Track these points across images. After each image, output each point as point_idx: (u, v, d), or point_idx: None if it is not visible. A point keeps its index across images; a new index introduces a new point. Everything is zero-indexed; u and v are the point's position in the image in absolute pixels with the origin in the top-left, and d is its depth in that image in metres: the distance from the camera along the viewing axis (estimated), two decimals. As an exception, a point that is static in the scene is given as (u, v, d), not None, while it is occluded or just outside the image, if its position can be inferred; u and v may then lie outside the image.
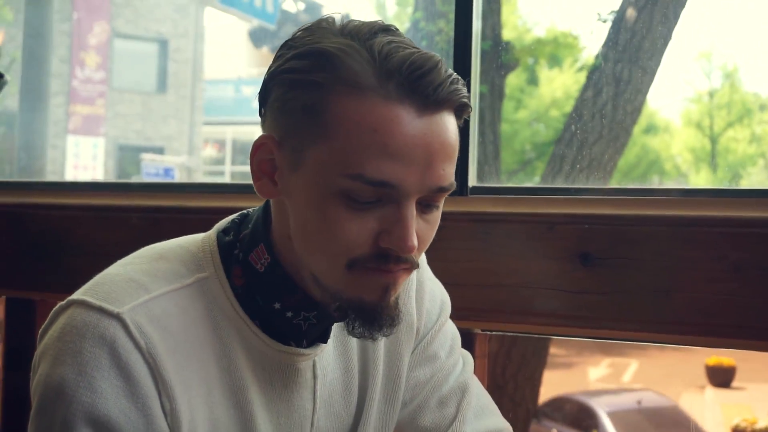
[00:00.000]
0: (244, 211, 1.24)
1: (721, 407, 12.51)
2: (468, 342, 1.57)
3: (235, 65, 20.82)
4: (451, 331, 1.42)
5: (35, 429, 1.09)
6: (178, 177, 17.32)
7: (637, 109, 4.11)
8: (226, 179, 19.13)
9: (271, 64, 1.13)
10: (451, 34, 1.92)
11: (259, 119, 1.17)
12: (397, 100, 1.04)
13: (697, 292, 1.57)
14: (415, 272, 1.31)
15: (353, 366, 1.29)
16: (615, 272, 1.63)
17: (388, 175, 1.04)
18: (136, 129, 18.52)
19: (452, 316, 1.43)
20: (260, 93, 1.14)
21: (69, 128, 17.07)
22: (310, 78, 1.07)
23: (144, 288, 1.12)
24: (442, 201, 1.13)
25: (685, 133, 16.87)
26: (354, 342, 1.29)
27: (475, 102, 1.92)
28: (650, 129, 15.97)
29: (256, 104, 1.19)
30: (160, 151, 18.43)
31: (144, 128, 18.60)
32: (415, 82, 1.04)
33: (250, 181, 1.16)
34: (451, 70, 1.08)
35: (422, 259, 1.37)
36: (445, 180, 1.09)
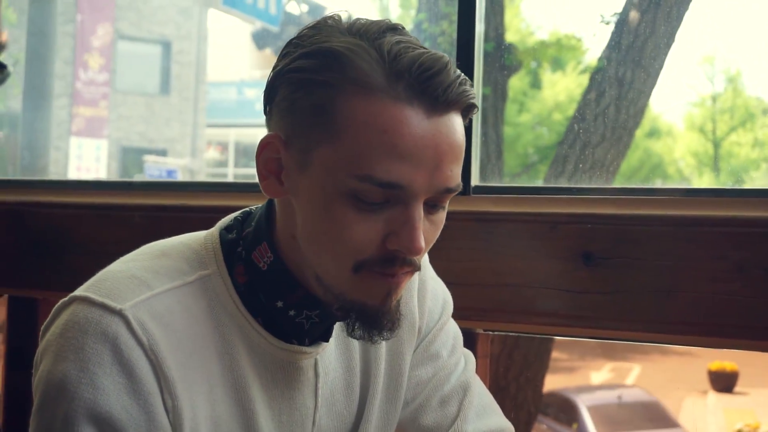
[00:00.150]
0: (247, 209, 1.24)
1: (723, 412, 12.49)
2: (470, 342, 1.56)
3: (238, 67, 20.83)
4: (453, 330, 1.42)
5: (37, 425, 1.09)
6: (181, 179, 17.32)
7: (640, 112, 4.10)
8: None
9: (277, 62, 1.13)
10: (454, 35, 1.92)
11: (262, 122, 1.17)
12: (407, 101, 1.04)
13: (700, 292, 1.56)
14: None
15: (355, 365, 1.29)
16: (617, 272, 1.63)
17: (396, 176, 1.04)
18: (139, 131, 18.54)
19: (454, 316, 1.43)
20: (266, 91, 1.14)
21: (72, 130, 17.08)
22: (318, 78, 1.06)
23: (146, 285, 1.12)
24: (448, 201, 1.14)
25: (687, 137, 16.86)
26: (356, 341, 1.29)
27: (478, 103, 1.91)
28: (653, 133, 15.97)
29: (259, 106, 1.18)
30: (163, 153, 18.44)
31: (147, 130, 18.61)
32: (425, 83, 1.04)
33: (252, 180, 1.15)
34: (459, 71, 1.08)
35: (424, 258, 1.37)
36: (453, 181, 1.09)
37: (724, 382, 13.40)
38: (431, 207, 1.11)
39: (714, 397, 13.14)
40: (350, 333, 1.15)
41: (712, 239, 1.57)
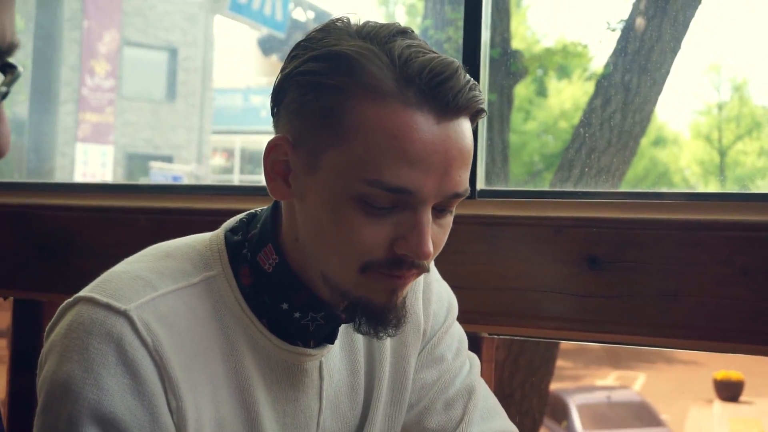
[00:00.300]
0: (252, 211, 1.24)
1: (729, 421, 12.46)
2: (475, 346, 1.56)
3: (244, 74, 20.86)
4: (458, 333, 1.42)
5: (41, 426, 1.09)
6: (186, 185, 17.30)
7: (646, 118, 4.10)
8: (234, 188, 19.08)
9: (286, 65, 1.13)
10: (460, 41, 1.92)
11: (267, 129, 1.17)
12: (416, 106, 1.04)
13: (705, 296, 1.56)
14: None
15: (360, 367, 1.29)
16: (622, 276, 1.63)
17: (405, 181, 1.04)
18: (145, 137, 18.56)
19: (459, 320, 1.43)
20: (274, 93, 1.14)
21: (78, 136, 17.11)
22: (328, 81, 1.06)
23: (151, 286, 1.12)
24: (455, 206, 1.14)
25: (693, 145, 16.85)
26: (360, 343, 1.29)
27: (482, 126, 1.92)
28: (659, 141, 15.96)
29: (265, 113, 1.18)
30: (168, 159, 18.46)
31: (153, 136, 18.64)
32: (435, 88, 1.04)
33: (256, 183, 1.16)
34: (468, 76, 1.08)
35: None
36: (461, 186, 1.09)
37: (729, 391, 13.37)
38: (439, 211, 1.11)
39: (719, 406, 13.12)
40: (357, 329, 1.15)
41: (717, 243, 1.56)
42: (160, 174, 17.07)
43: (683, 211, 1.62)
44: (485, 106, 1.12)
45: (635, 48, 4.00)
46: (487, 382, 1.45)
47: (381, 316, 1.12)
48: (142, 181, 16.90)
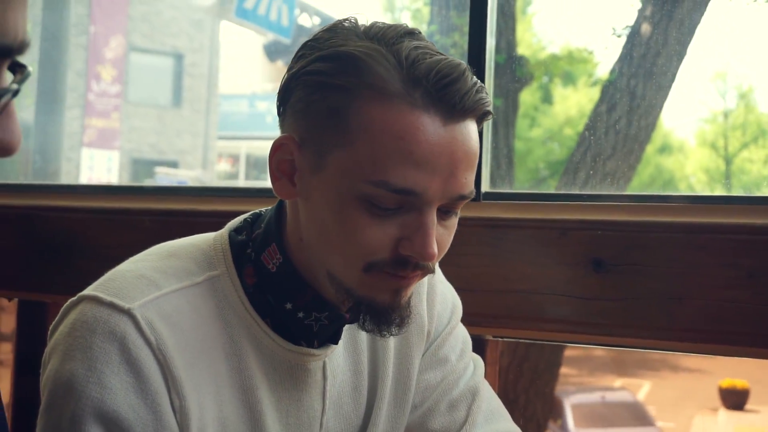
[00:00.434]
0: (257, 211, 1.24)
1: (734, 430, 12.43)
2: (479, 348, 1.56)
3: (249, 80, 20.87)
4: (462, 335, 1.42)
5: (44, 424, 1.09)
6: (192, 191, 17.28)
7: (651, 124, 4.10)
8: (240, 194, 19.07)
9: (292, 64, 1.13)
10: (466, 47, 1.92)
11: (273, 135, 1.17)
12: (423, 108, 1.04)
13: (710, 299, 1.56)
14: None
15: (363, 368, 1.29)
16: (627, 279, 1.63)
17: (411, 183, 1.05)
18: (150, 143, 18.57)
19: (464, 322, 1.43)
20: (280, 92, 1.14)
21: (84, 141, 17.13)
22: (335, 81, 1.06)
23: (155, 285, 1.13)
24: (461, 207, 1.14)
25: (699, 153, 16.83)
26: (364, 344, 1.29)
27: (487, 130, 1.91)
28: (665, 149, 15.94)
29: (270, 119, 1.19)
30: (174, 164, 18.47)
31: (158, 142, 18.65)
32: (442, 90, 1.04)
33: (261, 185, 1.16)
34: (475, 78, 1.08)
35: None
36: (467, 188, 1.09)
37: (735, 400, 13.33)
38: (444, 213, 1.11)
39: (725, 415, 13.09)
40: (361, 326, 1.15)
41: (722, 246, 1.56)
42: (165, 179, 17.08)
43: (688, 214, 1.62)
44: (491, 108, 1.12)
45: (641, 53, 4.01)
46: (491, 385, 1.45)
47: (385, 315, 1.12)
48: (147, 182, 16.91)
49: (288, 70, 1.14)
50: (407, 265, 1.09)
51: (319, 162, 1.09)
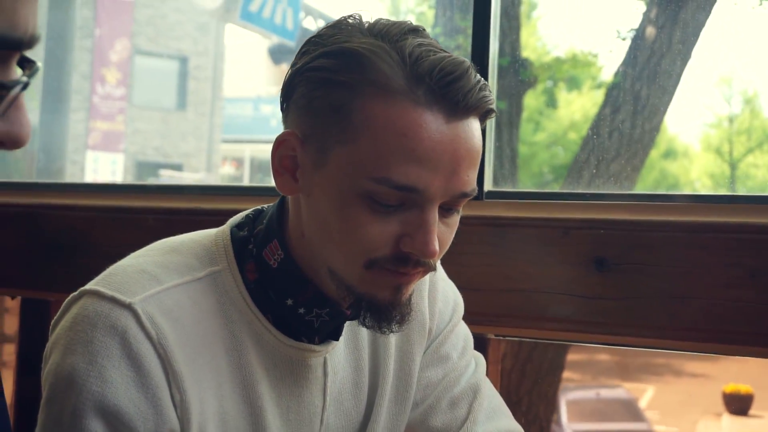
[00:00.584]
0: (259, 207, 1.24)
1: (738, 435, 12.40)
2: (481, 347, 1.56)
3: (254, 84, 20.88)
4: (463, 333, 1.42)
5: (45, 418, 1.09)
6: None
7: (656, 128, 4.09)
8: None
9: (296, 60, 1.13)
10: (469, 49, 1.92)
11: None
12: (426, 105, 1.04)
13: (713, 298, 1.56)
14: None
15: (364, 365, 1.29)
16: (630, 278, 1.62)
17: (413, 180, 1.05)
18: (155, 145, 18.59)
19: (466, 321, 1.43)
20: (284, 88, 1.14)
21: (89, 144, 17.15)
22: (338, 78, 1.07)
23: (156, 279, 1.13)
24: (463, 205, 1.14)
25: (704, 158, 16.82)
26: (365, 341, 1.29)
27: (490, 129, 1.91)
28: (669, 154, 15.93)
29: (275, 122, 1.19)
30: (178, 167, 18.48)
31: (163, 145, 18.67)
32: (445, 88, 1.05)
33: (263, 184, 1.16)
34: (478, 76, 1.08)
35: None
36: (469, 185, 1.09)
37: (739, 405, 13.30)
38: (446, 210, 1.11)
39: (728, 420, 13.06)
40: (362, 322, 1.15)
41: (725, 246, 1.56)
42: (169, 182, 17.09)
43: (691, 213, 1.62)
44: (495, 106, 1.12)
45: (645, 56, 4.00)
46: (493, 383, 1.44)
47: (385, 312, 1.13)
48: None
49: (291, 66, 1.14)
50: (408, 262, 1.09)
51: (321, 158, 1.09)
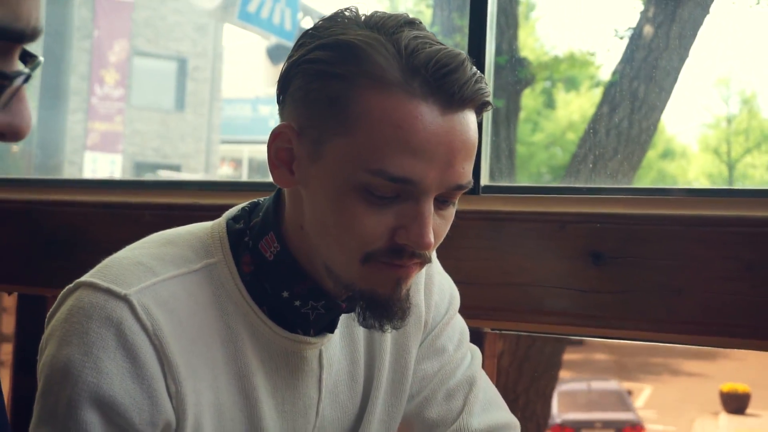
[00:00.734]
0: (255, 200, 1.24)
1: (735, 434, 12.43)
2: (478, 341, 1.55)
3: (252, 85, 20.89)
4: (459, 325, 1.41)
5: (41, 409, 1.09)
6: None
7: (653, 126, 4.10)
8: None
9: (293, 52, 1.13)
10: (466, 48, 1.92)
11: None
12: (422, 97, 1.04)
13: (709, 291, 1.56)
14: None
15: (359, 357, 1.29)
16: (627, 271, 1.62)
17: (409, 171, 1.04)
18: (153, 146, 18.60)
19: (463, 315, 1.43)
20: (280, 80, 1.14)
21: (87, 144, 17.15)
22: (334, 70, 1.06)
23: (152, 271, 1.13)
24: (458, 197, 1.13)
25: (702, 158, 16.83)
26: (361, 334, 1.29)
27: (487, 123, 1.91)
28: (667, 154, 15.95)
29: (273, 123, 1.18)
30: (177, 168, 18.49)
31: (161, 146, 18.68)
32: (441, 80, 1.04)
33: (261, 179, 1.15)
34: (474, 68, 1.08)
35: (432, 253, 1.37)
36: (464, 178, 1.09)
37: (736, 404, 13.33)
38: (441, 203, 1.11)
39: (726, 419, 13.09)
40: (361, 322, 1.15)
41: (722, 239, 1.56)
42: (168, 183, 17.06)
43: (687, 206, 1.62)
44: (491, 98, 1.12)
45: (643, 55, 4.00)
46: (489, 377, 1.44)
47: (386, 307, 1.12)
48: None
49: (288, 59, 1.14)
50: (403, 254, 1.09)
51: (317, 150, 1.09)
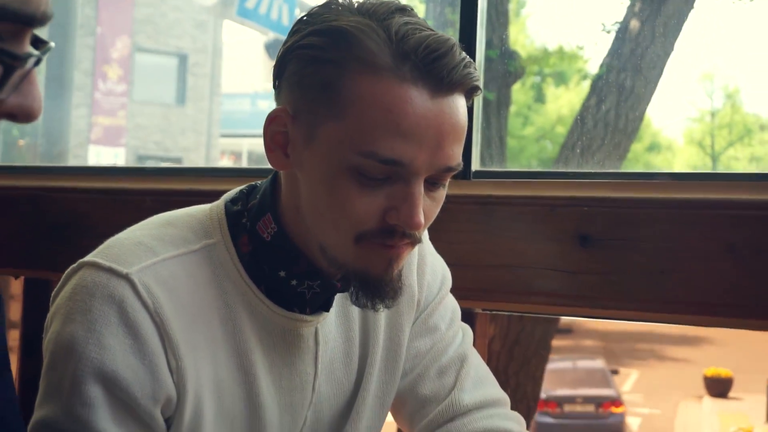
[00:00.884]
0: (253, 183, 1.24)
1: (718, 416, 12.51)
2: (469, 321, 1.55)
3: (251, 80, 20.87)
4: (451, 305, 1.42)
5: (46, 385, 1.10)
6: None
7: (639, 117, 4.11)
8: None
9: (288, 39, 1.13)
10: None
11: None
12: (412, 81, 1.04)
13: (692, 272, 1.56)
14: (417, 247, 1.32)
15: (354, 335, 1.29)
16: (613, 253, 1.62)
17: (399, 154, 1.04)
18: (155, 140, 18.58)
19: (455, 296, 1.43)
20: (276, 66, 1.14)
21: (91, 138, 17.14)
22: (327, 55, 1.06)
23: (152, 251, 1.13)
24: (448, 180, 1.13)
25: (687, 151, 16.87)
26: (356, 313, 1.29)
27: (478, 110, 1.91)
28: (653, 147, 15.97)
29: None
30: (178, 161, 18.48)
31: (163, 139, 18.66)
32: (430, 64, 1.04)
33: (260, 165, 1.15)
34: (464, 54, 1.08)
35: (424, 235, 1.37)
36: (454, 160, 1.09)
37: (719, 388, 13.42)
38: (432, 184, 1.11)
39: (709, 402, 13.17)
40: (354, 301, 1.15)
41: (705, 221, 1.56)
42: (169, 175, 17.04)
43: (672, 190, 1.62)
44: (480, 83, 1.12)
45: (630, 48, 4.01)
46: (480, 356, 1.44)
47: (378, 287, 1.12)
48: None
49: (283, 44, 1.14)
50: (394, 234, 1.09)
51: (311, 133, 1.09)
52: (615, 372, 13.52)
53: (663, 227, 1.59)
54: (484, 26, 1.92)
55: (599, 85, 4.26)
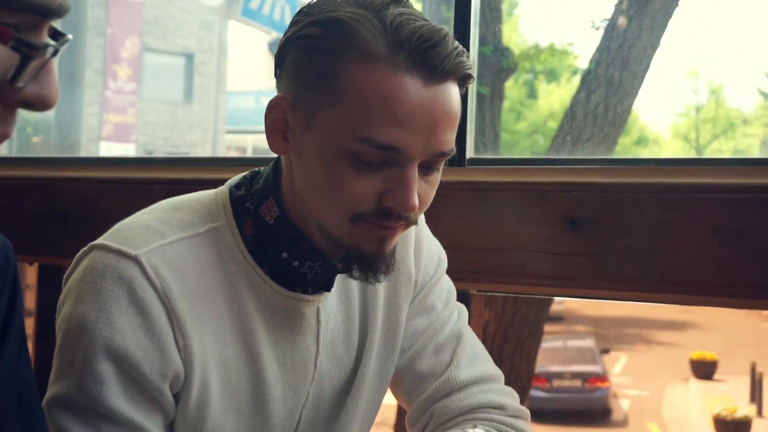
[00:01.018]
0: (256, 169, 1.24)
1: (703, 397, 12.55)
2: (464, 302, 1.55)
3: (255, 78, 20.87)
4: (447, 285, 1.42)
5: (59, 363, 1.10)
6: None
7: (627, 110, 4.11)
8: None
9: (288, 29, 1.14)
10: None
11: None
12: (406, 69, 1.05)
13: (678, 253, 1.56)
14: (414, 229, 1.32)
15: (354, 314, 1.29)
16: (602, 236, 1.63)
17: (394, 139, 1.05)
18: (163, 136, 18.59)
19: (450, 278, 1.43)
20: (276, 55, 1.14)
21: (102, 135, 17.15)
22: (324, 45, 1.07)
23: (160, 234, 1.13)
24: (442, 164, 1.14)
25: (673, 144, 16.89)
26: (356, 293, 1.29)
27: (472, 101, 1.91)
28: (641, 141, 15.99)
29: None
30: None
31: (171, 136, 18.67)
32: (424, 53, 1.05)
33: (263, 155, 1.16)
34: (457, 43, 1.08)
35: (421, 219, 1.37)
36: (447, 145, 1.09)
37: (704, 370, 13.46)
38: (426, 169, 1.11)
39: (695, 384, 13.21)
40: (350, 275, 1.16)
41: (689, 204, 1.56)
42: (177, 170, 17.06)
43: (658, 175, 1.62)
44: (473, 72, 1.12)
45: (617, 44, 4.02)
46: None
47: (371, 262, 1.13)
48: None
49: (284, 35, 1.14)
50: (390, 216, 1.09)
51: (309, 120, 1.09)
52: (606, 351, 13.91)
53: (650, 211, 1.59)
54: (477, 24, 1.92)
55: (589, 79, 4.26)
